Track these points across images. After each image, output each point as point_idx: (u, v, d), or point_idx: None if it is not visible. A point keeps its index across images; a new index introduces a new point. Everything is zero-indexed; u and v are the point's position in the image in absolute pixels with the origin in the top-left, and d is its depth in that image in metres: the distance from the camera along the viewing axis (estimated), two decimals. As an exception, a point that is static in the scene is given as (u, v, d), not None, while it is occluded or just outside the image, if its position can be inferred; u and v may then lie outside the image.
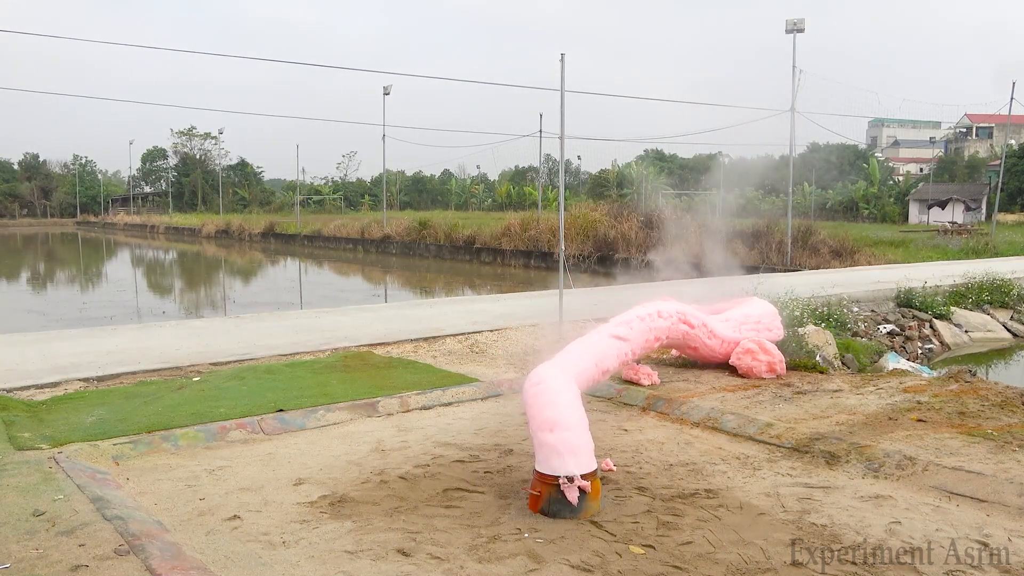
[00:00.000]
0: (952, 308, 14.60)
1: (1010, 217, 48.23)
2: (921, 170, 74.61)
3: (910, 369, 10.18)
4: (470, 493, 5.09)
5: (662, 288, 11.44)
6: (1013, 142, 60.69)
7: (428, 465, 5.64)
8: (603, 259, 27.36)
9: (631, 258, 25.80)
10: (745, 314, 8.78)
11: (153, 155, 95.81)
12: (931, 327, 13.84)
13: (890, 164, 73.82)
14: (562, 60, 10.49)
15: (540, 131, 37.94)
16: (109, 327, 12.21)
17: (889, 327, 13.26)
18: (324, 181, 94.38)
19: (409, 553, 4.16)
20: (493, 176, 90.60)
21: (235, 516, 4.69)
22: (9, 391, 7.38)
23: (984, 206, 51.32)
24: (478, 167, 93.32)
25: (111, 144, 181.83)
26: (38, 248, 54.51)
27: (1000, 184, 38.18)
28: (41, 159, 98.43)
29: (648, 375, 7.99)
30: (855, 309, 13.14)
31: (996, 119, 68.02)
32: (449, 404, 7.45)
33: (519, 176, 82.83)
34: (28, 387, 7.57)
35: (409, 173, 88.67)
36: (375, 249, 40.69)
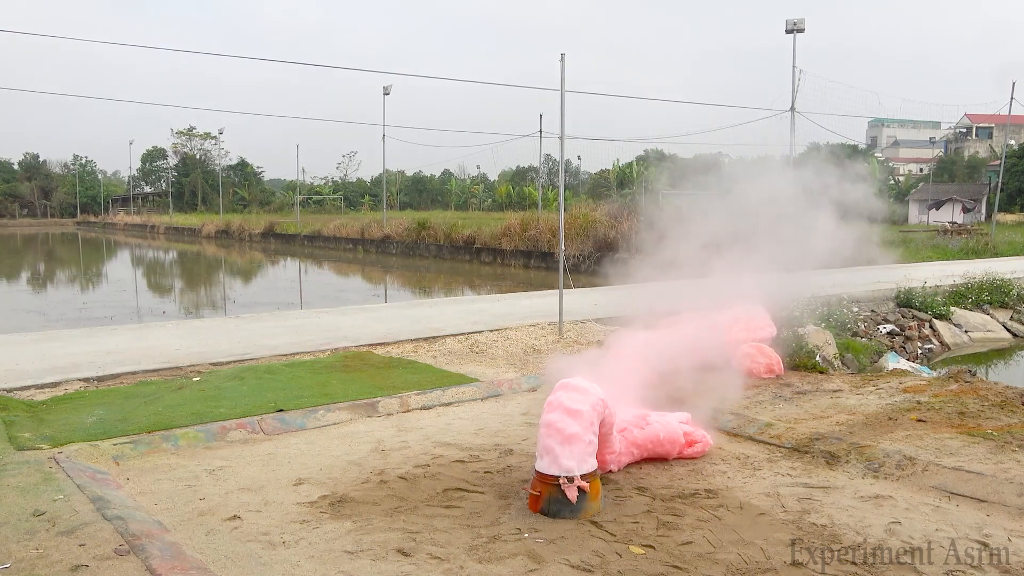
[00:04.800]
0: (952, 308, 14.59)
1: (1010, 217, 48.24)
2: (921, 170, 74.65)
3: (910, 369, 10.18)
4: (470, 493, 5.09)
5: (660, 288, 11.43)
6: (1013, 142, 60.69)
7: (428, 465, 5.64)
8: (603, 259, 27.34)
9: (631, 258, 25.79)
10: (736, 316, 8.89)
11: (153, 155, 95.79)
12: (931, 327, 13.84)
13: (890, 164, 73.83)
14: (562, 60, 10.49)
15: (540, 131, 37.99)
16: (109, 327, 12.21)
17: (889, 327, 13.26)
18: (324, 181, 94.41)
19: (409, 553, 4.16)
20: (493, 176, 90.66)
21: (235, 516, 4.69)
22: (9, 391, 7.39)
23: (984, 206, 51.34)
24: (478, 167, 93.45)
25: (111, 144, 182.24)
26: (38, 248, 54.48)
27: (1000, 184, 38.18)
28: (41, 159, 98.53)
29: (647, 376, 8.00)
30: (855, 309, 13.13)
31: (996, 119, 68.03)
32: (449, 404, 7.45)
33: (519, 176, 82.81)
34: (28, 387, 7.57)
35: (409, 173, 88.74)
36: (375, 249, 40.66)
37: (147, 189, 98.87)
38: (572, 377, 5.08)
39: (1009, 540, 4.33)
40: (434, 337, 10.34)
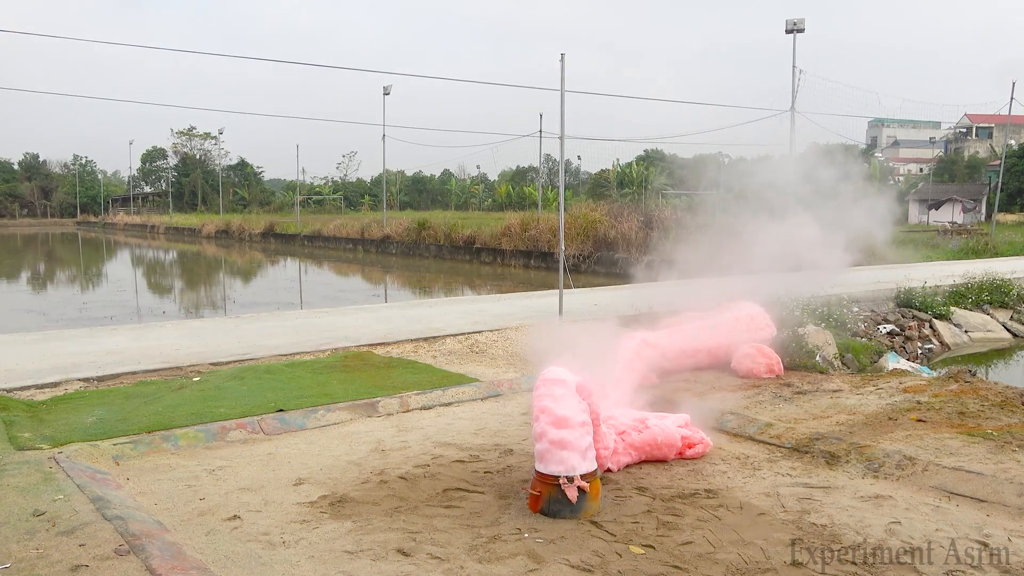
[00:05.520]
0: (952, 308, 14.58)
1: (1010, 217, 48.23)
2: (921, 170, 74.66)
3: (910, 369, 10.18)
4: (470, 493, 5.09)
5: (660, 289, 11.44)
6: (1013, 142, 60.70)
7: (428, 465, 5.64)
8: (603, 259, 27.36)
9: (631, 258, 25.80)
10: (736, 316, 8.91)
11: (153, 155, 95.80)
12: (931, 327, 13.83)
13: (890, 164, 73.84)
14: (562, 60, 10.49)
15: (540, 131, 37.95)
16: (109, 327, 12.21)
17: (889, 327, 13.25)
18: (324, 181, 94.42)
19: (409, 553, 4.16)
20: (493, 176, 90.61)
21: (235, 516, 4.69)
22: (9, 391, 7.39)
23: (984, 206, 51.35)
24: (478, 167, 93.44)
25: (111, 144, 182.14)
26: (38, 248, 54.48)
27: (1000, 184, 38.18)
28: (41, 159, 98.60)
29: (647, 376, 8.00)
30: (855, 309, 13.13)
31: (996, 119, 68.07)
32: (449, 404, 7.45)
33: (519, 176, 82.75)
34: (28, 387, 7.57)
35: (409, 173, 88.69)
36: (375, 249, 40.65)
37: (147, 189, 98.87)
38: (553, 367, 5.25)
39: (1009, 540, 4.33)
40: (434, 337, 10.34)
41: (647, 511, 4.78)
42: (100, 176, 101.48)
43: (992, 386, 7.50)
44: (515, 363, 9.09)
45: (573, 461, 4.66)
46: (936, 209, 51.31)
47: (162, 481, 5.31)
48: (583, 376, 5.13)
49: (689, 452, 5.81)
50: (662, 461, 5.74)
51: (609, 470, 5.46)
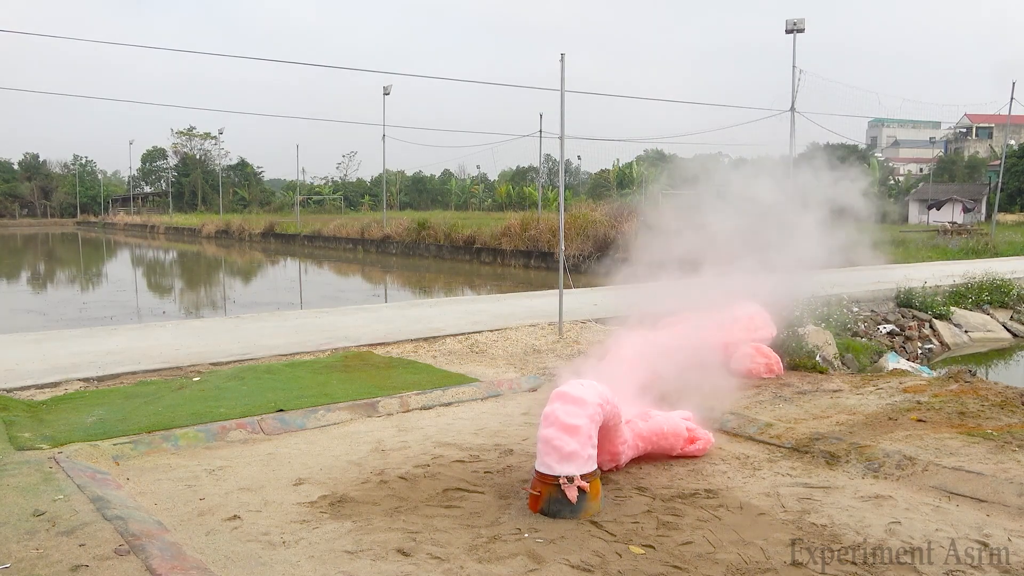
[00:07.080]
0: (952, 308, 14.59)
1: (1010, 217, 48.26)
2: (921, 170, 74.68)
3: (910, 369, 10.18)
4: (470, 493, 5.09)
5: (661, 289, 11.42)
6: (1013, 142, 60.70)
7: (428, 465, 5.65)
8: (603, 259, 27.36)
9: (631, 258, 25.79)
10: (735, 316, 8.90)
11: (153, 155, 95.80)
12: (931, 327, 13.84)
13: (890, 164, 73.86)
14: (562, 60, 10.49)
15: (540, 131, 37.91)
16: (109, 327, 12.21)
17: (889, 327, 13.26)
18: (324, 181, 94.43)
19: (409, 553, 4.16)
20: (493, 176, 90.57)
21: (235, 516, 4.69)
22: (9, 391, 7.39)
23: (984, 206, 51.36)
24: (478, 167, 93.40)
25: (111, 144, 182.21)
26: (38, 248, 54.46)
27: (1000, 184, 38.18)
28: (41, 159, 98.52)
29: (647, 375, 8.00)
30: (855, 309, 13.14)
31: (996, 119, 68.10)
32: (449, 404, 7.45)
33: (519, 176, 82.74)
34: (28, 387, 7.57)
35: (409, 173, 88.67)
36: (375, 249, 40.63)
37: (147, 189, 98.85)
38: (568, 383, 4.98)
39: (1009, 540, 4.33)
40: (434, 337, 10.34)
41: (647, 511, 4.78)
42: (100, 176, 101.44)
43: (992, 386, 7.50)
44: (515, 363, 9.09)
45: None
46: (936, 209, 51.33)
47: (162, 481, 5.31)
48: (603, 385, 5.01)
49: (692, 447, 5.81)
50: (667, 454, 5.73)
51: (619, 463, 5.45)
